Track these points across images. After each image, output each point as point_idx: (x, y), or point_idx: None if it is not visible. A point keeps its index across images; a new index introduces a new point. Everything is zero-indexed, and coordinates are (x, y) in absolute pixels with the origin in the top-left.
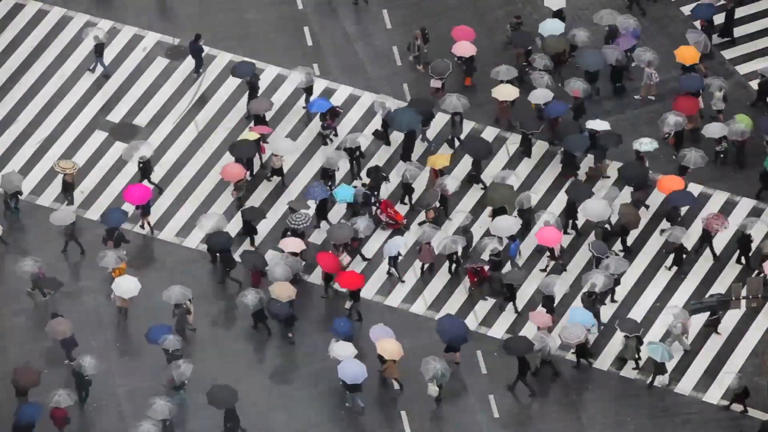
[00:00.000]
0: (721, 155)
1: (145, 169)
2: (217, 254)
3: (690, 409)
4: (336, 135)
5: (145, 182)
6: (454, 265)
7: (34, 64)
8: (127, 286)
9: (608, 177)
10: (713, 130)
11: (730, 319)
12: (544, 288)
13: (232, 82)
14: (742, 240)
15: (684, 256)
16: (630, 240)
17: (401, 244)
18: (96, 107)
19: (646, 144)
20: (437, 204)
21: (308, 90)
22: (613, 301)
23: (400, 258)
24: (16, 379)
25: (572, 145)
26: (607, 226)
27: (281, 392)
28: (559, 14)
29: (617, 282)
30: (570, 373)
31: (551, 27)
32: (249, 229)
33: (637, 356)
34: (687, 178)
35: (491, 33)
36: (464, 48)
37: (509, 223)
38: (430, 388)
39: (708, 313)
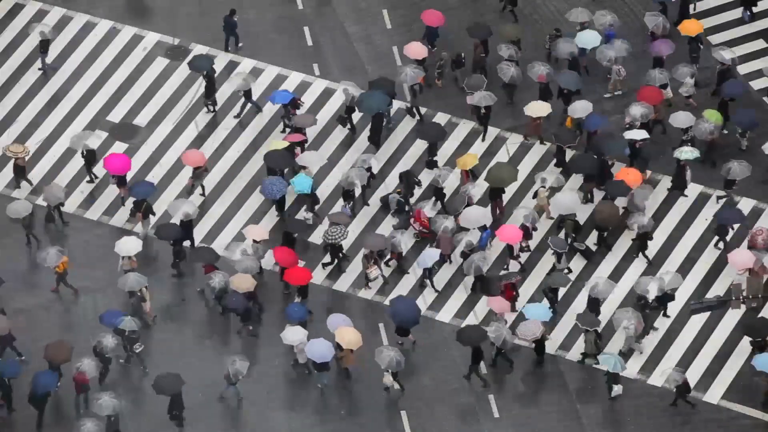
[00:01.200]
0: (688, 144)
1: (89, 159)
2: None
3: (690, 409)
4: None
5: (89, 177)
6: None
7: (34, 64)
8: (129, 245)
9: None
10: (680, 119)
11: (730, 319)
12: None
13: (232, 82)
14: None
15: (648, 243)
16: (625, 239)
17: (436, 255)
18: (96, 107)
19: (686, 153)
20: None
21: (246, 94)
22: (665, 315)
23: (435, 270)
24: (49, 354)
25: (611, 148)
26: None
27: (281, 392)
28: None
29: (671, 297)
30: (570, 373)
31: (587, 39)
32: (288, 240)
33: (596, 351)
34: (735, 190)
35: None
36: (415, 50)
37: (478, 214)
38: (385, 377)
39: (712, 314)
